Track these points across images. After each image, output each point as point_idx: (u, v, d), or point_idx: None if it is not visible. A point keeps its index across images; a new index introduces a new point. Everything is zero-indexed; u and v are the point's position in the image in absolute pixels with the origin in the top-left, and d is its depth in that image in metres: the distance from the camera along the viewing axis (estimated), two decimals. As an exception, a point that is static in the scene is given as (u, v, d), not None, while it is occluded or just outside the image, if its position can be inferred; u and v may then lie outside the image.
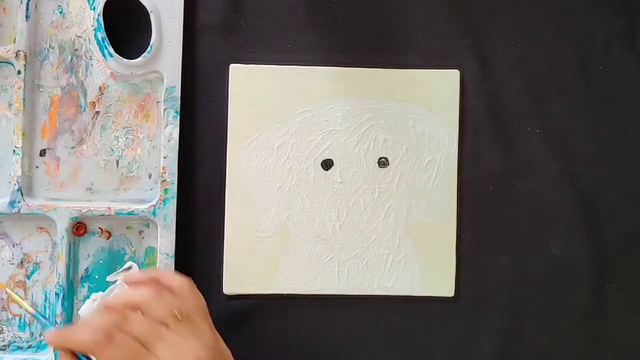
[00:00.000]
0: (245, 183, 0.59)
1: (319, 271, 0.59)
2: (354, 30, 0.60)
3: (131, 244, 0.58)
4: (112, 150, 0.58)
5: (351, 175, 0.59)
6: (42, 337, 0.58)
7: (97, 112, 0.58)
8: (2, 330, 0.57)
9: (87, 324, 0.47)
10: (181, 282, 0.50)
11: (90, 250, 0.58)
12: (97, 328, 0.46)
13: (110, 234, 0.58)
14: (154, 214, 0.57)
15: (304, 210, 0.59)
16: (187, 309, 0.49)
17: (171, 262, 0.57)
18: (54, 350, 0.51)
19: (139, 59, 0.57)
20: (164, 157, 0.57)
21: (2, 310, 0.57)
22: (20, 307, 0.55)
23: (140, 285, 0.50)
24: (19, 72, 0.56)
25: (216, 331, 0.51)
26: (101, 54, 0.57)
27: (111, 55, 0.57)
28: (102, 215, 0.57)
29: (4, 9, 0.57)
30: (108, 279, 0.58)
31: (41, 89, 0.57)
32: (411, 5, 0.60)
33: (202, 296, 0.51)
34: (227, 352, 0.50)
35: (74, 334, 0.47)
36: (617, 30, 0.61)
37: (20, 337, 0.57)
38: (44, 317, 0.53)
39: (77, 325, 0.48)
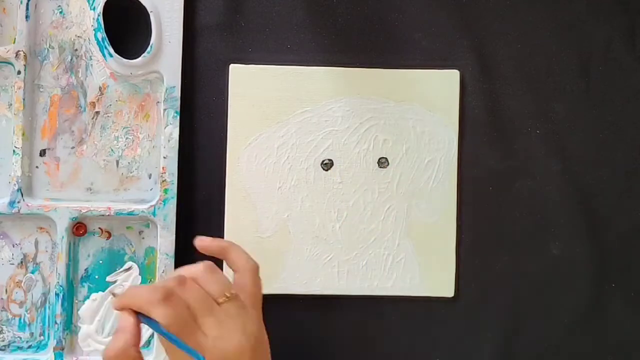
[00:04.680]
0: (245, 183, 0.59)
1: (319, 271, 0.59)
2: (354, 30, 0.60)
3: (131, 244, 0.58)
4: (112, 150, 0.58)
5: (351, 176, 0.59)
6: (42, 337, 0.58)
7: (97, 112, 0.58)
8: (2, 330, 0.57)
9: (146, 286, 0.48)
10: (246, 265, 0.51)
11: (90, 250, 0.58)
12: (156, 287, 0.46)
13: (110, 234, 0.58)
14: (153, 214, 0.57)
15: (304, 210, 0.59)
16: (241, 292, 0.49)
17: (171, 262, 0.57)
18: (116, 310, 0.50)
19: (139, 59, 0.57)
20: (164, 157, 0.57)
21: (2, 311, 0.57)
22: None
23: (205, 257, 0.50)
24: (19, 72, 0.56)
25: (263, 324, 0.51)
26: (101, 54, 0.57)
27: (111, 55, 0.57)
28: (102, 215, 0.57)
29: (4, 9, 0.57)
30: (108, 279, 0.58)
31: (41, 89, 0.57)
32: (411, 5, 0.60)
33: (261, 285, 0.51)
34: (267, 346, 0.50)
35: (135, 291, 0.47)
36: (617, 30, 0.61)
37: (20, 337, 0.57)
38: None
39: (140, 285, 0.49)
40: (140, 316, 0.47)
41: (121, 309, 0.47)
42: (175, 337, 0.46)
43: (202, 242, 0.52)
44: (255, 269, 0.51)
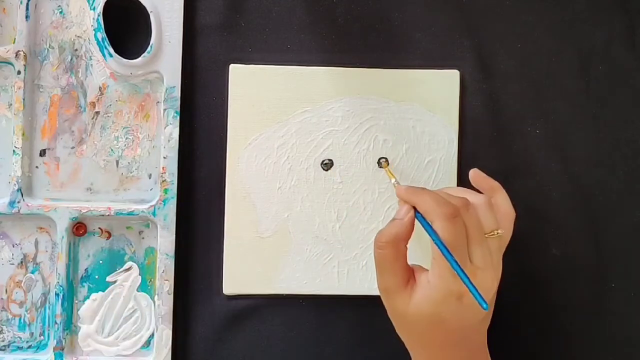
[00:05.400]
0: (245, 183, 0.59)
1: (319, 271, 0.59)
2: (354, 30, 0.60)
3: (131, 244, 0.58)
4: (112, 150, 0.58)
5: (351, 176, 0.59)
6: (42, 337, 0.58)
7: (97, 112, 0.58)
8: (2, 330, 0.57)
9: (439, 196, 0.49)
10: (508, 211, 0.52)
11: (90, 250, 0.58)
12: (447, 203, 0.48)
13: (110, 234, 0.58)
14: (153, 214, 0.57)
15: (304, 211, 0.59)
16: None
17: (171, 262, 0.57)
18: (398, 202, 0.52)
19: (139, 59, 0.57)
20: (164, 157, 0.57)
21: (2, 311, 0.57)
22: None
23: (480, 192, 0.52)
24: (18, 72, 0.56)
25: None
26: (101, 54, 0.57)
27: (111, 56, 0.57)
28: (102, 215, 0.57)
29: (4, 9, 0.57)
30: (108, 279, 0.58)
31: (41, 89, 0.57)
32: (411, 5, 0.60)
33: (510, 234, 0.52)
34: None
35: (425, 197, 0.49)
36: (617, 30, 0.61)
37: (20, 337, 0.57)
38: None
39: (431, 192, 0.50)
40: (419, 215, 0.49)
41: (405, 202, 0.51)
42: (449, 253, 0.47)
43: (476, 174, 0.54)
44: (514, 217, 0.52)
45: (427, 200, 0.49)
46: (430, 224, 0.48)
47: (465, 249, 0.48)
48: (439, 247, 0.47)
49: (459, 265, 0.47)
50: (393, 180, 0.56)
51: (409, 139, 0.59)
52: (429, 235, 0.48)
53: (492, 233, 0.50)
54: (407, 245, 0.50)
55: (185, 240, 0.58)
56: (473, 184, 0.54)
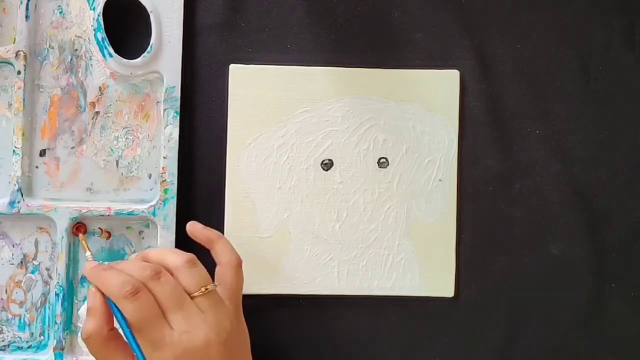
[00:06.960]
0: (245, 183, 0.59)
1: (319, 271, 0.59)
2: (354, 30, 0.60)
3: (131, 244, 0.58)
4: (112, 150, 0.58)
5: (351, 176, 0.59)
6: (42, 337, 0.58)
7: (97, 112, 0.58)
8: (2, 330, 0.57)
9: (121, 272, 0.48)
10: (229, 258, 0.52)
11: (91, 250, 0.58)
12: (127, 280, 0.47)
13: (110, 234, 0.58)
14: (153, 214, 0.57)
15: (303, 211, 0.59)
16: (221, 286, 0.50)
17: (171, 262, 0.57)
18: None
19: (139, 59, 0.57)
20: (164, 157, 0.57)
21: (2, 311, 0.57)
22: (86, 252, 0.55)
23: (183, 254, 0.50)
24: (18, 72, 0.56)
25: (243, 319, 0.51)
26: (101, 54, 0.57)
27: (111, 56, 0.57)
28: (102, 215, 0.57)
29: (4, 9, 0.57)
30: (108, 279, 0.58)
31: (41, 89, 0.57)
32: (411, 5, 0.60)
33: (242, 280, 0.52)
34: (244, 342, 0.51)
35: (107, 278, 0.48)
36: (617, 30, 0.61)
37: (20, 337, 0.57)
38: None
39: (113, 270, 0.48)
40: (108, 298, 0.48)
41: (91, 283, 0.49)
42: (129, 334, 0.47)
43: (192, 228, 0.54)
44: (238, 263, 0.52)
45: (107, 280, 0.47)
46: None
47: (158, 321, 0.46)
48: (121, 327, 0.47)
49: (137, 346, 0.46)
50: (88, 253, 0.55)
51: (409, 139, 0.59)
52: (115, 315, 0.48)
53: (201, 291, 0.48)
54: (116, 326, 0.48)
55: (185, 240, 0.58)
56: (192, 238, 0.54)
